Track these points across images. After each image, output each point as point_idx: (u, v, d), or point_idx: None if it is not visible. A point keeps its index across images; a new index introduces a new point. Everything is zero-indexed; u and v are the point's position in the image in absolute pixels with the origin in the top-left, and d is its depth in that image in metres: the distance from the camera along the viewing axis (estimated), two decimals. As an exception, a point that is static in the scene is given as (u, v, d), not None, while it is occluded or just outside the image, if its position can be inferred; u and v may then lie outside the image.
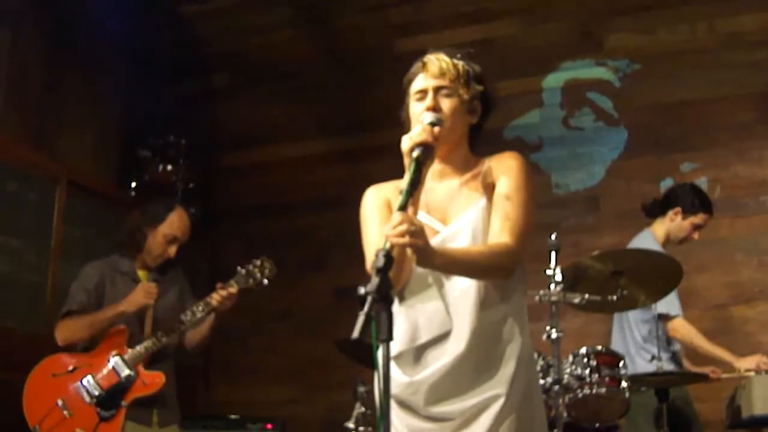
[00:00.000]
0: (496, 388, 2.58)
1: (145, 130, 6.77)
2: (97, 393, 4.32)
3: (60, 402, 4.29)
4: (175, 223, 4.62)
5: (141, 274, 4.65)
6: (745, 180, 6.01)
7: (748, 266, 5.90)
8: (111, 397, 4.32)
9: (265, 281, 4.60)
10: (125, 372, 4.35)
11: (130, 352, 4.38)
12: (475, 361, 2.59)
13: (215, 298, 4.43)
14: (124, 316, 4.40)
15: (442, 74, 2.73)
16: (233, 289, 4.45)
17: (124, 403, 4.33)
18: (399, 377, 2.62)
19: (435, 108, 2.70)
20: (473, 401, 2.57)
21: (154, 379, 4.41)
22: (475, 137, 2.86)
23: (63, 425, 4.25)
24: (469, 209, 2.71)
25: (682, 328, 5.00)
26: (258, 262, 4.60)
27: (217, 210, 7.06)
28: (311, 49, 7.18)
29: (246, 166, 7.15)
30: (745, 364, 4.96)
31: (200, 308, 4.45)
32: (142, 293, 4.38)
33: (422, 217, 2.67)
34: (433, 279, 2.66)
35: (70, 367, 4.38)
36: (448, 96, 2.73)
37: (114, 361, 4.36)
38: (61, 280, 5.44)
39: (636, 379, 4.43)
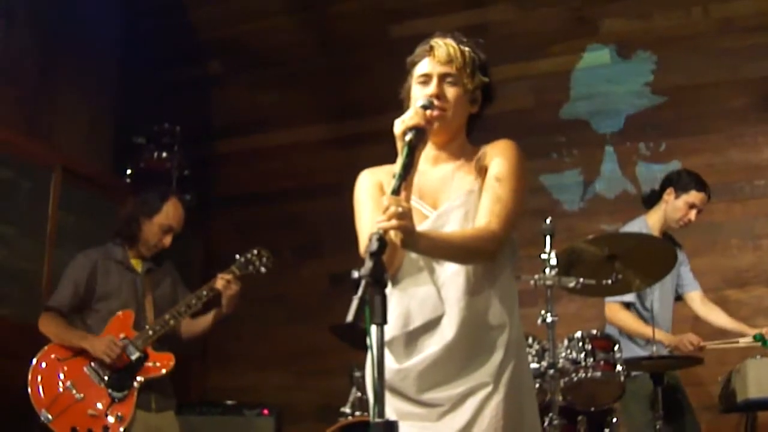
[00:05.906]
0: (485, 376, 2.58)
1: (139, 117, 6.76)
2: (107, 375, 4.35)
3: (69, 384, 4.30)
4: (170, 213, 4.65)
5: (135, 263, 4.67)
6: (739, 165, 6.01)
7: (743, 251, 5.91)
8: (122, 378, 4.36)
9: (263, 269, 4.71)
10: (135, 354, 4.38)
11: (138, 335, 4.41)
12: (463, 350, 2.59)
13: (219, 281, 4.48)
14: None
15: (449, 61, 2.70)
16: (235, 274, 4.54)
17: (136, 383, 4.36)
18: (389, 364, 2.58)
19: (439, 96, 2.67)
20: (461, 389, 2.57)
21: (165, 359, 4.46)
22: (473, 126, 2.84)
23: (75, 408, 4.26)
24: (460, 194, 2.70)
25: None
26: (255, 252, 4.69)
27: (211, 197, 7.05)
28: (305, 35, 7.16)
29: (240, 152, 7.13)
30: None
31: (204, 293, 4.51)
32: (104, 347, 4.31)
33: (414, 201, 2.65)
34: (425, 263, 2.65)
35: (76, 351, 4.38)
36: (453, 84, 2.70)
37: (124, 343, 4.37)
38: (55, 267, 5.39)
39: (631, 363, 4.44)
